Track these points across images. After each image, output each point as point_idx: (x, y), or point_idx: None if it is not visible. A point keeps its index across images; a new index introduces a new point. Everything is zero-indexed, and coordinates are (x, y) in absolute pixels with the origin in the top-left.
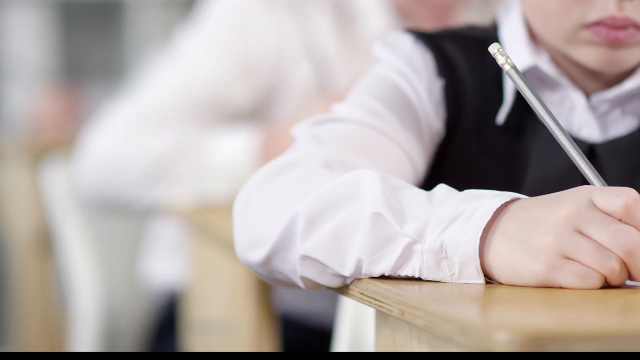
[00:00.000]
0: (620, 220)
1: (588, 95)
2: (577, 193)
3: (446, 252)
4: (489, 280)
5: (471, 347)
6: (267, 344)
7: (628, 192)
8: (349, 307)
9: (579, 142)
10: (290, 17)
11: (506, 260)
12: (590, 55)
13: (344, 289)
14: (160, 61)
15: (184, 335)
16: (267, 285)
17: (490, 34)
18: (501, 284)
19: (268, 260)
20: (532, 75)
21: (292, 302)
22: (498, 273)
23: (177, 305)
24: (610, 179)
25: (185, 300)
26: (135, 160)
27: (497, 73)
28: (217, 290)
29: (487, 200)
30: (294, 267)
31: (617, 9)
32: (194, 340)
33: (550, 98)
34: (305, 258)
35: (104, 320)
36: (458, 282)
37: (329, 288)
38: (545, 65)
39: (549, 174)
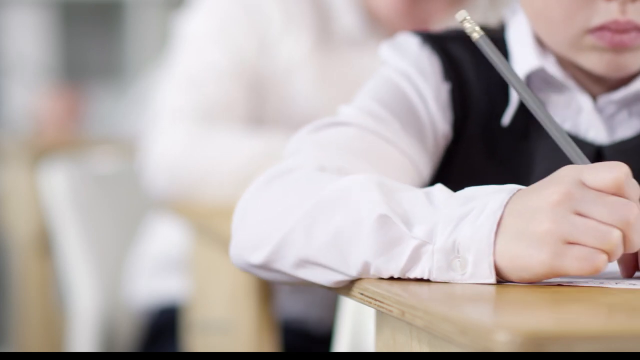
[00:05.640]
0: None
1: (594, 97)
2: (564, 175)
3: (458, 251)
4: (499, 279)
5: (471, 347)
6: (267, 344)
7: (619, 167)
8: (349, 307)
9: (585, 144)
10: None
11: (511, 256)
12: (595, 61)
13: (343, 289)
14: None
15: (184, 336)
16: (268, 286)
17: (497, 35)
18: (512, 281)
19: (265, 265)
20: (538, 77)
21: (291, 309)
22: (506, 271)
23: (164, 322)
24: None
25: (185, 302)
26: (217, 164)
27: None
28: (218, 290)
29: (493, 195)
30: (294, 271)
31: (620, 13)
32: (195, 341)
33: (556, 100)
34: (306, 262)
35: (102, 320)
36: (469, 281)
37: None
38: (552, 67)
39: None
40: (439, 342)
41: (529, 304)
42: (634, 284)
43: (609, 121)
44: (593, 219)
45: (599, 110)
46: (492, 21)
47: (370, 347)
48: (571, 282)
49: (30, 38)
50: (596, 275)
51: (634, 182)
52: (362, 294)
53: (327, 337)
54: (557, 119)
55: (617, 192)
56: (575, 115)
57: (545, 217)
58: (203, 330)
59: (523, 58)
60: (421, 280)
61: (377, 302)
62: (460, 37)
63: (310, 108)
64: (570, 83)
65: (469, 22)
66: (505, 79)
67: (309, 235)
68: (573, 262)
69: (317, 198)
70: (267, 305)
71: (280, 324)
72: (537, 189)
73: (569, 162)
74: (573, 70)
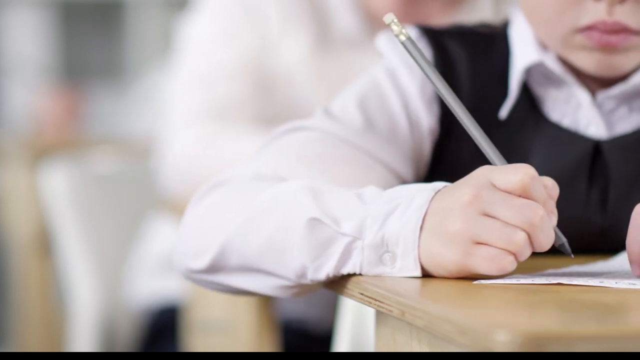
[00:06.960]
0: (520, 196)
1: (593, 92)
2: (476, 176)
3: (387, 246)
4: (425, 274)
5: (471, 347)
6: (267, 344)
7: (524, 169)
8: (349, 307)
9: (585, 139)
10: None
11: (430, 253)
12: (585, 60)
13: (343, 289)
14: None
15: (184, 336)
16: None
17: (500, 31)
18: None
19: (205, 273)
20: (538, 72)
21: (291, 309)
22: (427, 267)
23: (164, 322)
24: (616, 176)
25: (185, 302)
26: (232, 165)
27: (503, 69)
28: None
29: (419, 192)
30: (235, 279)
31: (607, 14)
32: (195, 341)
33: (556, 95)
34: (248, 269)
35: (102, 320)
36: (399, 275)
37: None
38: (551, 63)
39: (553, 170)
40: (439, 342)
41: (529, 304)
42: (633, 284)
43: (608, 117)
44: (500, 220)
45: (598, 106)
46: (496, 19)
47: (370, 347)
48: (571, 282)
49: (30, 38)
50: (506, 273)
51: (550, 182)
52: (362, 294)
53: (327, 337)
54: (557, 114)
55: (524, 194)
56: (575, 110)
57: (457, 217)
58: (203, 330)
59: (524, 53)
60: (422, 280)
61: (377, 302)
62: (460, 32)
63: (312, 107)
64: (569, 78)
65: (396, 25)
66: (430, 80)
67: (247, 243)
68: (481, 262)
69: (252, 206)
70: (267, 305)
71: (280, 324)
72: (454, 188)
73: (568, 155)
74: (573, 66)
